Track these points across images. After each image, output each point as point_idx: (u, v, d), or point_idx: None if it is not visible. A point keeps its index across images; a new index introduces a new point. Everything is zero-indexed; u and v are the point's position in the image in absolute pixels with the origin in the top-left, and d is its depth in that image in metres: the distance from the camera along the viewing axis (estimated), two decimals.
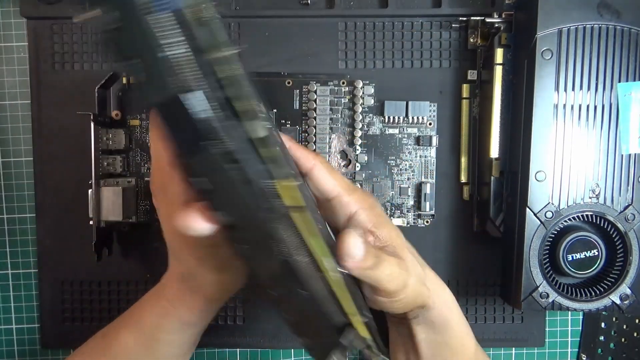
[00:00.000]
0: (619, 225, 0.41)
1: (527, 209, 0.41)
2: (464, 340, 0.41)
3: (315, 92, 0.46)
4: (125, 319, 0.38)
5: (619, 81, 0.40)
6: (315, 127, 0.46)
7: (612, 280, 0.41)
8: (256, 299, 0.35)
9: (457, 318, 0.40)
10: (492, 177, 0.44)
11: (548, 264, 0.42)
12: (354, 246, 0.28)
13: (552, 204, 0.41)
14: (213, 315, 0.38)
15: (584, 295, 0.42)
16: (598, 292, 0.42)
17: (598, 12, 0.40)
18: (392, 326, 0.42)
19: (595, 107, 0.41)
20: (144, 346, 0.37)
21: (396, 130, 0.47)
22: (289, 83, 0.46)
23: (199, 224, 0.27)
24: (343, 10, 0.46)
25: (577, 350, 0.50)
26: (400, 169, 0.47)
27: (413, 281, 0.34)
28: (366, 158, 0.47)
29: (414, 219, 0.48)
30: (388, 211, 0.48)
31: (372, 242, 0.33)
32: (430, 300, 0.36)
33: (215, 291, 0.35)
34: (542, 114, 0.40)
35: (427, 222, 0.48)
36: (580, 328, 0.50)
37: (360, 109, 0.46)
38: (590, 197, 0.41)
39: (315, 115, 0.46)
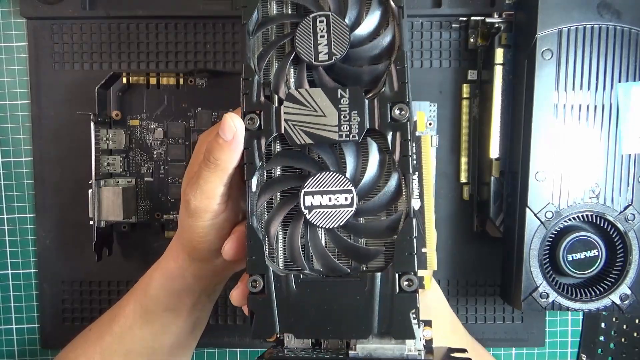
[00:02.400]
0: (619, 226, 0.41)
1: (527, 209, 0.41)
2: (455, 326, 0.42)
3: None
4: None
5: (619, 81, 0.40)
6: None
7: (612, 280, 0.41)
8: None
9: (447, 303, 0.43)
10: (492, 177, 0.44)
11: (548, 264, 0.42)
12: None
13: (552, 204, 0.41)
14: (200, 284, 0.38)
15: (584, 295, 0.42)
16: (598, 292, 0.42)
17: (598, 12, 0.40)
18: None
19: (595, 107, 0.41)
20: (141, 306, 0.38)
21: None
22: None
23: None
24: None
25: (577, 350, 0.50)
26: None
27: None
28: None
29: None
30: None
31: None
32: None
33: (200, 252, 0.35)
34: (542, 114, 0.40)
35: None
36: (580, 328, 0.50)
37: None
38: (590, 197, 0.41)
39: None
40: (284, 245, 0.32)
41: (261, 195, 0.31)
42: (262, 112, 0.31)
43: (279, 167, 0.32)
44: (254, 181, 0.31)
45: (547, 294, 0.41)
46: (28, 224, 0.49)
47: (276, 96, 0.31)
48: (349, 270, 0.31)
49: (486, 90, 0.45)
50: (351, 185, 0.30)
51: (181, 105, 0.47)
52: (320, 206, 0.30)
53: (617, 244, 0.41)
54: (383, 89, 0.30)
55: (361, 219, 0.31)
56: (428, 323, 0.31)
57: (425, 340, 0.30)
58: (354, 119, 0.30)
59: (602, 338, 0.50)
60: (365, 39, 0.31)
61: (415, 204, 0.31)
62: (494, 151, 0.44)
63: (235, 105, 0.33)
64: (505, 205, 0.44)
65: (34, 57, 0.47)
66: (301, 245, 0.31)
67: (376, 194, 0.31)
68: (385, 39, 0.31)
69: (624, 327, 0.50)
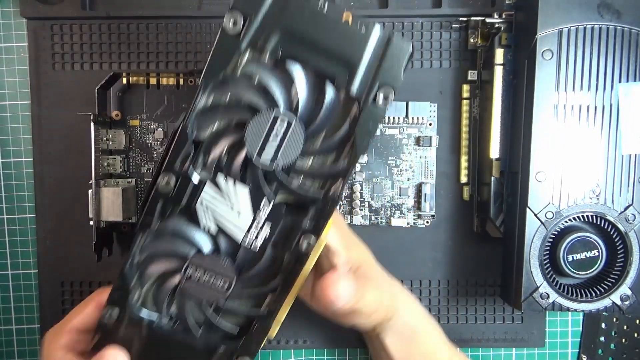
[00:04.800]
0: (620, 226, 0.41)
1: (528, 210, 0.41)
2: (436, 347, 0.42)
3: None
4: None
5: (619, 81, 0.40)
6: None
7: (613, 280, 0.41)
8: None
9: (425, 326, 0.42)
10: (492, 178, 0.44)
11: (548, 264, 0.42)
12: (343, 291, 0.32)
13: (553, 204, 0.41)
14: None
15: (584, 295, 0.42)
16: (598, 292, 0.42)
17: (598, 13, 0.40)
18: (369, 340, 0.43)
19: (596, 108, 0.41)
20: None
21: (396, 131, 0.47)
22: None
23: None
24: None
25: (577, 350, 0.50)
26: (400, 170, 0.47)
27: (386, 298, 0.36)
28: (366, 158, 0.47)
29: (414, 219, 0.48)
30: (388, 212, 0.48)
31: (348, 270, 0.35)
32: (396, 312, 0.38)
33: None
34: (543, 114, 0.40)
35: (427, 222, 0.48)
36: (581, 329, 0.50)
37: None
38: (590, 198, 0.41)
39: None
40: (153, 283, 0.33)
41: (153, 242, 0.32)
42: (179, 181, 0.30)
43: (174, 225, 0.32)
44: (142, 236, 0.31)
45: (548, 294, 0.41)
46: (28, 224, 0.49)
47: (204, 169, 0.30)
48: (197, 335, 0.33)
49: (486, 90, 0.45)
50: (234, 280, 0.31)
51: (181, 105, 0.47)
52: (199, 280, 0.31)
53: (617, 244, 0.41)
54: (303, 221, 0.30)
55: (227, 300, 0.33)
56: None
57: None
58: (264, 233, 0.31)
59: (602, 339, 0.50)
60: (316, 159, 0.31)
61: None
62: (494, 151, 0.44)
63: None
64: (505, 205, 0.44)
65: (34, 57, 0.47)
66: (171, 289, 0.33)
67: (251, 289, 0.32)
68: (334, 169, 0.30)
69: (625, 327, 0.50)
